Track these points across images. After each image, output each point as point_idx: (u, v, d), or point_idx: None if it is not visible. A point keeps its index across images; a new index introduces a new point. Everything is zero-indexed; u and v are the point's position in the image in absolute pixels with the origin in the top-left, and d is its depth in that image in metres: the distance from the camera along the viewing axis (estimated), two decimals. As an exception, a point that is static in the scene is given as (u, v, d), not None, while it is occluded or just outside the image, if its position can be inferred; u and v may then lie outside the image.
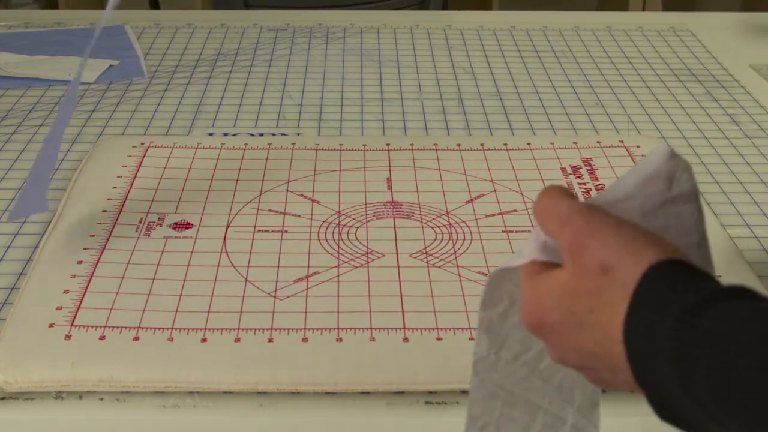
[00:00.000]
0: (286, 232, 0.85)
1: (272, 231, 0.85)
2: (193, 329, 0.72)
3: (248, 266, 0.80)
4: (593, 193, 0.91)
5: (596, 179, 0.94)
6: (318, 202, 0.90)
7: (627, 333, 0.44)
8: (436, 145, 1.01)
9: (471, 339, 0.71)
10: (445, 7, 2.23)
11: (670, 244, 0.47)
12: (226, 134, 1.08)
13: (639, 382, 0.43)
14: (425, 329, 0.72)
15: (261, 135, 1.08)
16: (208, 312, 0.74)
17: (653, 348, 0.42)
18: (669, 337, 0.41)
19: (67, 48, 1.32)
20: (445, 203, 0.90)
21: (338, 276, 0.79)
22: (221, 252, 0.82)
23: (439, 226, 0.86)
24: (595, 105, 1.17)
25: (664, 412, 0.43)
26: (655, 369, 0.42)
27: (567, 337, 0.48)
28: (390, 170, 0.96)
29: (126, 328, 0.72)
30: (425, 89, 1.22)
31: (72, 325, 0.72)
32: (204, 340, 0.71)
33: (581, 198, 0.90)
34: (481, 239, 0.84)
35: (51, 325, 0.72)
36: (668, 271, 0.44)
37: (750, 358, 0.38)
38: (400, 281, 0.78)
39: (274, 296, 0.76)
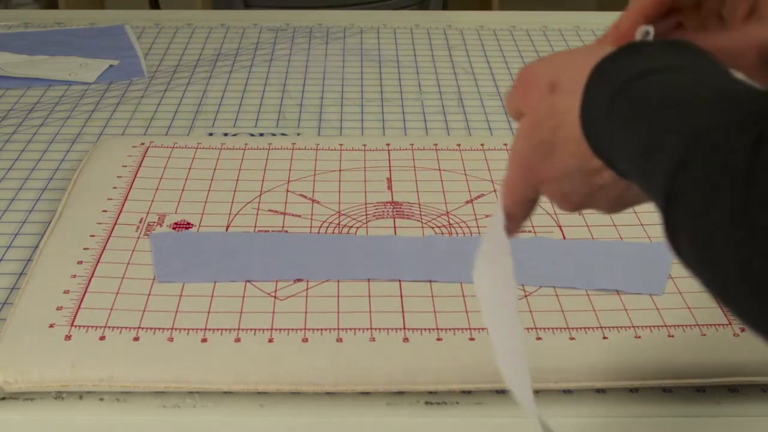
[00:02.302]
0: (286, 232, 0.85)
1: (272, 231, 0.85)
2: (193, 329, 0.72)
3: (248, 266, 0.80)
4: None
5: (596, 179, 0.94)
6: (318, 202, 0.90)
7: (582, 120, 0.50)
8: (436, 145, 1.01)
9: (471, 339, 0.71)
10: (445, 7, 2.23)
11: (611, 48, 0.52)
12: (226, 134, 1.08)
13: (595, 152, 0.50)
14: (425, 329, 0.72)
15: (261, 135, 1.08)
16: (208, 312, 0.74)
17: (598, 126, 0.49)
18: (606, 106, 0.48)
19: (67, 48, 1.32)
20: (445, 203, 0.90)
21: (338, 276, 0.79)
22: (221, 252, 0.82)
23: (439, 226, 0.86)
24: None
25: (617, 170, 0.49)
26: (601, 142, 0.49)
27: (554, 171, 0.53)
28: (390, 170, 0.96)
29: (126, 328, 0.72)
30: (425, 89, 1.22)
31: (72, 325, 0.72)
32: (204, 340, 0.71)
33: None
34: (481, 239, 0.84)
35: (51, 325, 0.72)
36: (610, 64, 0.50)
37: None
38: (400, 281, 0.78)
39: (274, 296, 0.76)
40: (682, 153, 0.41)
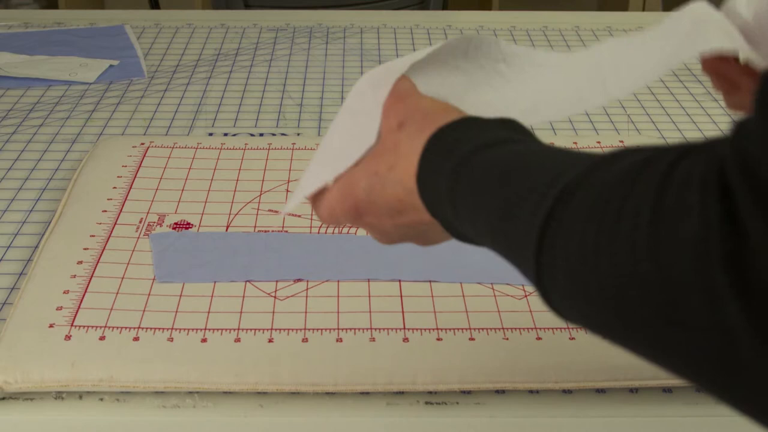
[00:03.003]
0: (286, 232, 0.85)
1: (272, 231, 0.85)
2: (193, 329, 0.72)
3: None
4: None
5: (596, 179, 0.94)
6: (318, 202, 0.90)
7: (419, 185, 0.51)
8: (436, 145, 1.01)
9: (471, 339, 0.71)
10: (445, 7, 2.23)
11: (458, 111, 0.54)
12: (226, 134, 1.08)
13: (435, 218, 0.52)
14: (425, 329, 0.72)
15: (261, 135, 1.08)
16: (208, 312, 0.74)
17: (440, 192, 0.50)
18: (447, 186, 0.49)
19: (67, 48, 1.32)
20: (445, 203, 0.90)
21: (338, 276, 0.79)
22: (221, 252, 0.82)
23: (439, 226, 0.86)
24: (595, 105, 1.17)
25: (454, 234, 0.52)
26: (442, 207, 0.51)
27: (378, 206, 0.54)
28: (390, 170, 0.96)
29: (126, 328, 0.72)
30: (425, 89, 1.21)
31: (72, 325, 0.72)
32: (204, 340, 0.71)
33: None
34: (481, 239, 0.84)
35: (51, 326, 0.72)
36: (450, 132, 0.51)
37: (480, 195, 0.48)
38: (400, 281, 0.78)
39: (274, 296, 0.76)
40: (550, 203, 0.42)
